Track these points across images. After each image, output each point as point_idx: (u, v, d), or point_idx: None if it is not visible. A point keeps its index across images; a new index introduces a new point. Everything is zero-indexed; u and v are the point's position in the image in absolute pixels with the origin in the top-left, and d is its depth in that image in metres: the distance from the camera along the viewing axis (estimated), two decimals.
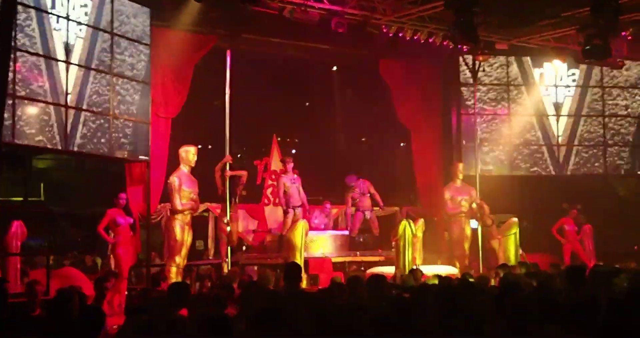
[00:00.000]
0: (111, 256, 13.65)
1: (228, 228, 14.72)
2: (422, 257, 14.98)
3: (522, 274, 10.84)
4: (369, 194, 16.92)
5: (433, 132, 18.37)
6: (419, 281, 10.62)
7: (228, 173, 14.94)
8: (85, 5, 13.07)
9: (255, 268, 15.69)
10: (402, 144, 21.57)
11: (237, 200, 15.06)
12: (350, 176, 17.02)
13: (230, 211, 14.82)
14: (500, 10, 15.17)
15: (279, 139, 18.85)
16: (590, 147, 19.07)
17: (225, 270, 14.50)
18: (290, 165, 16.11)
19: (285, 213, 15.83)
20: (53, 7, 12.37)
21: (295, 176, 16.03)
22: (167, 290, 7.92)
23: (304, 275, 13.13)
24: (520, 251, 16.50)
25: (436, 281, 9.77)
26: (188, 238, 14.15)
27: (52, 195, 20.34)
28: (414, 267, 13.39)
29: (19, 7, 11.29)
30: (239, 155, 19.85)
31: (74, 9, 12.78)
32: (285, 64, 17.95)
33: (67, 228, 20.85)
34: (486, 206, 16.95)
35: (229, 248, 14.88)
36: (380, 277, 8.53)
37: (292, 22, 14.42)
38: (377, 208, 17.24)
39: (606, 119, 19.18)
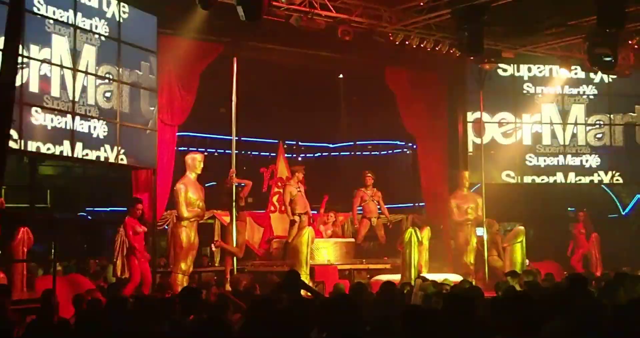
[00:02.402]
0: (125, 263, 13.63)
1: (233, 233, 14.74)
2: (428, 265, 14.97)
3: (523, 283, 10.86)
4: (376, 202, 16.93)
5: (439, 140, 18.39)
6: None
7: (235, 180, 14.95)
8: (92, 13, 13.10)
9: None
10: (408, 152, 21.60)
11: (237, 210, 14.94)
12: (365, 171, 17.10)
13: (236, 220, 14.81)
14: (506, 19, 15.18)
15: (285, 146, 18.86)
16: (596, 154, 19.03)
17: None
18: (301, 175, 16.11)
19: (293, 221, 15.81)
20: (60, 15, 12.41)
21: (300, 184, 16.05)
22: (179, 295, 7.92)
23: (309, 282, 13.13)
24: (528, 263, 16.51)
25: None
26: (194, 246, 14.17)
27: (58, 202, 20.37)
28: (420, 275, 13.39)
29: (27, 15, 11.32)
30: (244, 167, 19.87)
31: (81, 16, 12.82)
32: (292, 71, 17.97)
33: (73, 234, 20.87)
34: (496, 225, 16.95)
35: (234, 258, 14.85)
36: (391, 284, 8.56)
37: (298, 30, 14.44)
38: (384, 216, 17.27)
39: (613, 128, 19.16)
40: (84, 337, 6.08)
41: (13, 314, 8.01)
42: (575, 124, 19.00)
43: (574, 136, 18.92)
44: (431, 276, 12.55)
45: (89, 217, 22.12)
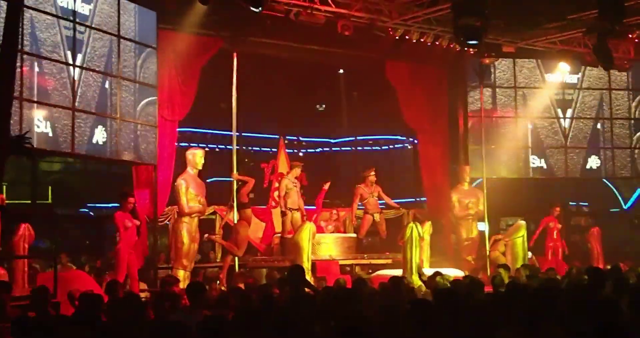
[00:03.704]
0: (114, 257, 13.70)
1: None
2: (429, 260, 14.97)
3: (524, 277, 10.89)
4: (377, 197, 16.87)
5: (440, 134, 18.37)
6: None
7: (235, 176, 14.94)
8: (92, 8, 13.08)
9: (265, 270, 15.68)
10: (408, 147, 21.58)
11: (239, 207, 14.84)
12: (368, 170, 17.01)
13: (239, 219, 14.74)
14: (506, 13, 15.15)
15: (285, 141, 18.86)
16: (597, 149, 19.01)
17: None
18: (299, 171, 16.07)
19: (284, 214, 15.80)
20: (59, 10, 12.39)
21: (296, 180, 16.02)
22: (186, 291, 7.93)
23: (310, 278, 13.13)
24: (530, 255, 16.52)
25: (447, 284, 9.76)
26: (195, 241, 14.18)
27: (60, 198, 20.38)
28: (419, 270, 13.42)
29: (25, 10, 11.30)
30: (246, 159, 19.88)
31: (80, 11, 12.80)
32: (292, 66, 17.95)
33: (75, 230, 20.90)
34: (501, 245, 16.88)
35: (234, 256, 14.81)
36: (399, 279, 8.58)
37: (298, 25, 14.43)
38: (389, 211, 17.31)
39: (613, 121, 19.13)
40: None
41: (13, 310, 8.00)
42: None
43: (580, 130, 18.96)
44: (431, 271, 12.51)
45: (91, 213, 22.10)
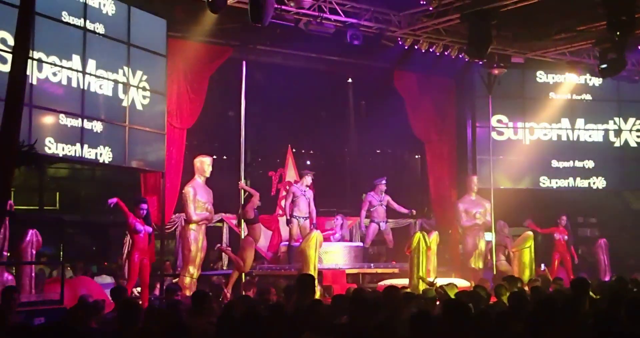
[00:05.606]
0: (126, 262, 13.72)
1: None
2: (436, 270, 14.93)
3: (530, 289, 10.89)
4: (385, 206, 16.84)
5: (447, 144, 18.38)
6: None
7: (242, 185, 14.95)
8: (102, 16, 13.12)
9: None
10: (416, 157, 21.56)
11: (247, 223, 14.76)
12: (380, 178, 16.95)
13: (246, 235, 14.68)
14: (516, 24, 15.17)
15: (293, 150, 18.87)
16: (606, 159, 18.97)
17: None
18: (309, 179, 16.03)
19: (288, 222, 15.80)
20: (70, 17, 12.44)
21: (307, 188, 15.99)
22: (191, 298, 7.98)
23: (317, 287, 13.10)
24: (543, 267, 16.49)
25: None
26: (202, 249, 14.18)
27: (67, 204, 20.41)
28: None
29: (36, 17, 11.34)
30: (253, 164, 19.87)
31: (91, 19, 12.84)
32: (300, 75, 17.96)
33: (82, 237, 20.91)
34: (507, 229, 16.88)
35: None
36: (394, 288, 8.53)
37: (307, 34, 14.47)
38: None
39: (623, 133, 19.13)
40: None
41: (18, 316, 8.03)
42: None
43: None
44: (438, 281, 12.49)
45: (98, 220, 22.10)
